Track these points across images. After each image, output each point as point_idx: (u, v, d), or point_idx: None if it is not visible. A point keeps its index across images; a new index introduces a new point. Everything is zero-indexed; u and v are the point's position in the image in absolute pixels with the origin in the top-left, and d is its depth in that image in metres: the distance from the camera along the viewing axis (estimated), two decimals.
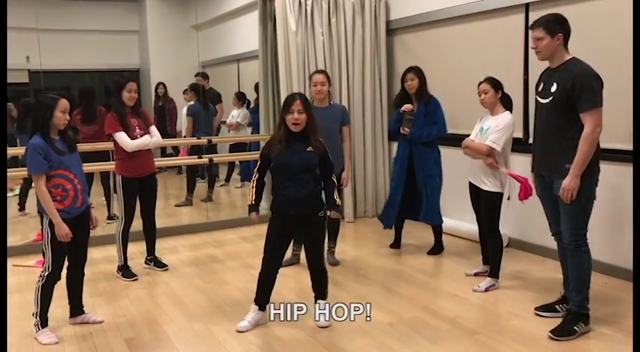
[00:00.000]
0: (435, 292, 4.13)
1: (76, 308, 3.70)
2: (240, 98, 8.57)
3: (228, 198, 8.27)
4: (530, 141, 4.78)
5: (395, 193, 5.04)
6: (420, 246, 5.22)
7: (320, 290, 3.66)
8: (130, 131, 4.39)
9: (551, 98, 3.32)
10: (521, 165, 4.33)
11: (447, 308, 3.81)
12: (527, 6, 4.83)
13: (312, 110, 3.55)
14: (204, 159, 6.15)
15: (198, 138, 6.37)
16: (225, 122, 8.49)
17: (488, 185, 4.11)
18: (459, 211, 5.15)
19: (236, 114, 8.37)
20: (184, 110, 7.88)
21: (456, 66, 5.47)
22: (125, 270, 4.60)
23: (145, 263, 4.84)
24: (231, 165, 8.68)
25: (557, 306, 3.61)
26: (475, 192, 4.24)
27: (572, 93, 3.21)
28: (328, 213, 3.59)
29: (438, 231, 5.06)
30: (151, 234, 4.79)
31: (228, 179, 8.71)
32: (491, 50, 5.19)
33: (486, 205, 4.14)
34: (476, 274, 4.42)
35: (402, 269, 4.73)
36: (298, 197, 3.45)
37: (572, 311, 3.38)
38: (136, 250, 4.97)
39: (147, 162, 4.56)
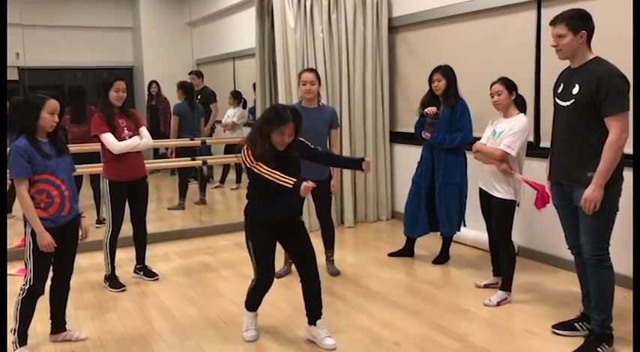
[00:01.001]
0: (444, 306, 3.87)
1: (58, 324, 3.43)
2: (236, 97, 8.32)
3: (223, 200, 8.00)
4: (543, 144, 4.62)
5: (412, 199, 4.76)
6: (425, 254, 4.96)
7: (319, 309, 3.36)
8: (117, 132, 4.12)
9: (572, 101, 3.07)
10: (534, 170, 4.07)
11: (456, 324, 3.55)
12: (539, 2, 4.57)
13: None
14: (198, 161, 5.87)
15: (191, 139, 6.10)
16: (220, 122, 8.23)
17: (500, 192, 3.85)
18: (466, 218, 4.88)
19: (232, 114, 8.11)
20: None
21: (463, 66, 5.18)
22: (113, 280, 4.33)
23: (134, 272, 4.57)
24: (226, 166, 8.41)
25: (576, 324, 3.35)
26: (486, 199, 3.98)
27: (596, 96, 2.95)
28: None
29: (447, 240, 4.80)
30: (141, 242, 4.52)
31: (223, 180, 8.43)
32: (500, 49, 4.94)
33: (498, 213, 3.89)
34: (486, 286, 4.17)
35: (407, 279, 4.47)
36: (292, 202, 3.30)
37: (594, 332, 3.12)
38: (125, 257, 4.71)
39: (136, 165, 4.29)
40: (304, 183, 3.04)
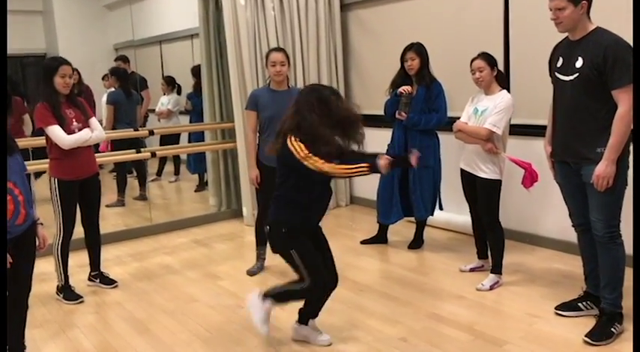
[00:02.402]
0: (437, 294, 3.70)
1: (16, 351, 2.95)
2: (170, 83, 7.76)
3: (163, 194, 7.48)
4: (514, 122, 4.48)
5: (385, 184, 4.52)
6: (399, 240, 4.78)
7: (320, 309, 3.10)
8: (65, 124, 3.61)
9: (577, 75, 2.93)
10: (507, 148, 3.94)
11: (457, 313, 3.38)
12: None
13: None
14: (146, 154, 5.38)
15: (135, 130, 5.58)
16: (153, 110, 7.68)
17: (486, 172, 3.71)
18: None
19: (166, 101, 7.57)
20: (104, 98, 7.01)
21: (424, 44, 5.03)
22: (67, 292, 3.84)
23: (89, 279, 4.09)
24: (162, 157, 7.87)
25: (580, 304, 3.27)
26: (469, 180, 3.83)
27: (603, 68, 2.82)
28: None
29: (421, 224, 4.64)
30: (95, 246, 4.04)
31: (160, 173, 7.89)
32: (465, 25, 4.79)
33: (485, 194, 3.75)
34: (471, 270, 4.05)
35: (390, 268, 4.27)
36: (324, 205, 3.01)
37: (606, 311, 3.03)
38: (73, 264, 4.19)
39: (88, 161, 3.80)
40: (380, 161, 2.72)
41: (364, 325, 3.28)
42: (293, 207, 2.87)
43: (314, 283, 2.86)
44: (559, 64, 3.06)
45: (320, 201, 2.95)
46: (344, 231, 5.21)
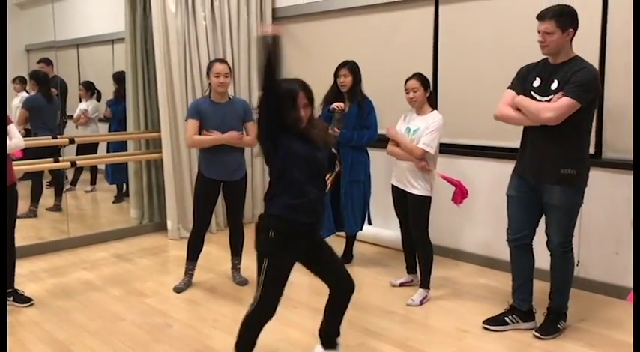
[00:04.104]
0: (369, 309, 3.73)
1: None
2: (89, 88, 7.43)
3: (79, 205, 7.12)
4: (441, 140, 4.66)
5: None
6: None
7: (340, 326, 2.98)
8: None
9: (551, 96, 3.06)
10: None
11: (390, 328, 3.43)
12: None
13: None
14: (66, 163, 5.11)
15: (54, 137, 5.28)
16: (71, 116, 7.32)
17: (418, 188, 3.80)
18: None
19: (84, 108, 7.25)
20: (15, 101, 6.62)
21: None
22: None
23: None
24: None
25: (506, 318, 3.40)
26: (400, 196, 3.91)
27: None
28: None
29: (351, 239, 4.69)
30: (8, 261, 3.77)
31: (75, 182, 7.51)
32: (395, 46, 4.90)
33: (416, 210, 3.83)
34: (401, 284, 4.13)
35: (319, 283, 4.16)
36: (321, 204, 2.71)
37: (554, 311, 3.29)
38: None
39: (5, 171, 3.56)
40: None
41: (298, 342, 3.26)
42: (281, 209, 2.57)
43: (261, 303, 2.67)
44: (536, 83, 3.16)
45: (311, 202, 2.61)
46: None
